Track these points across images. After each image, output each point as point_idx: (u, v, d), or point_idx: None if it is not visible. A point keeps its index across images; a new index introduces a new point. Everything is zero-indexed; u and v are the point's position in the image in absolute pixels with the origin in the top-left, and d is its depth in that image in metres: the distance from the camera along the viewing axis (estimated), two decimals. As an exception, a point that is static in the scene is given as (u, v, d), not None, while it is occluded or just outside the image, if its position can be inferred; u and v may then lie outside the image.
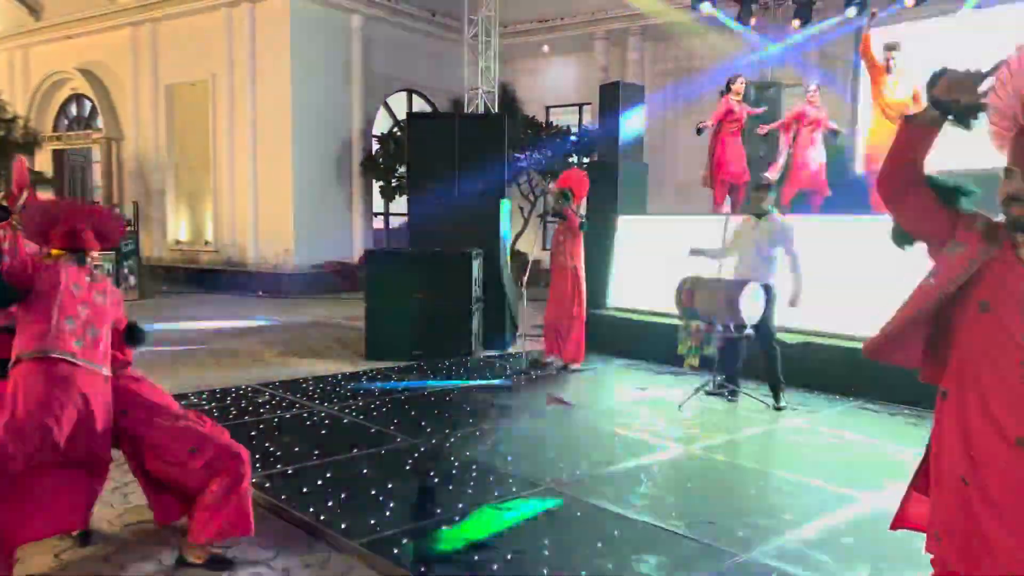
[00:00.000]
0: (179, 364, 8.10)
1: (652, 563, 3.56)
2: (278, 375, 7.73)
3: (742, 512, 4.23)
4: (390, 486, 4.49)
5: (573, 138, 16.22)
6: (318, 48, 15.87)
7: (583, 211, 8.30)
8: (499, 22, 15.00)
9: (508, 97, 16.64)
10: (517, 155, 14.79)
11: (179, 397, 6.08)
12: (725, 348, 6.84)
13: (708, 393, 6.85)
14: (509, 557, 3.58)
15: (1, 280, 3.33)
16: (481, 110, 14.42)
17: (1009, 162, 2.13)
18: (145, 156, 18.26)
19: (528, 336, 8.87)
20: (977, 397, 2.10)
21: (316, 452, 5.11)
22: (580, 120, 18.17)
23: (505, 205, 9.96)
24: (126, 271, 13.92)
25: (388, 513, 4.10)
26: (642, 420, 6.14)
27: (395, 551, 3.65)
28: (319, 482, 4.54)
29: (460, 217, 9.47)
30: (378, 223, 18.05)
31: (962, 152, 9.53)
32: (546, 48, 18.30)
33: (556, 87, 18.53)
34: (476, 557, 3.61)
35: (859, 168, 9.46)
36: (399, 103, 18.22)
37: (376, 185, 16.99)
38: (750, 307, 6.28)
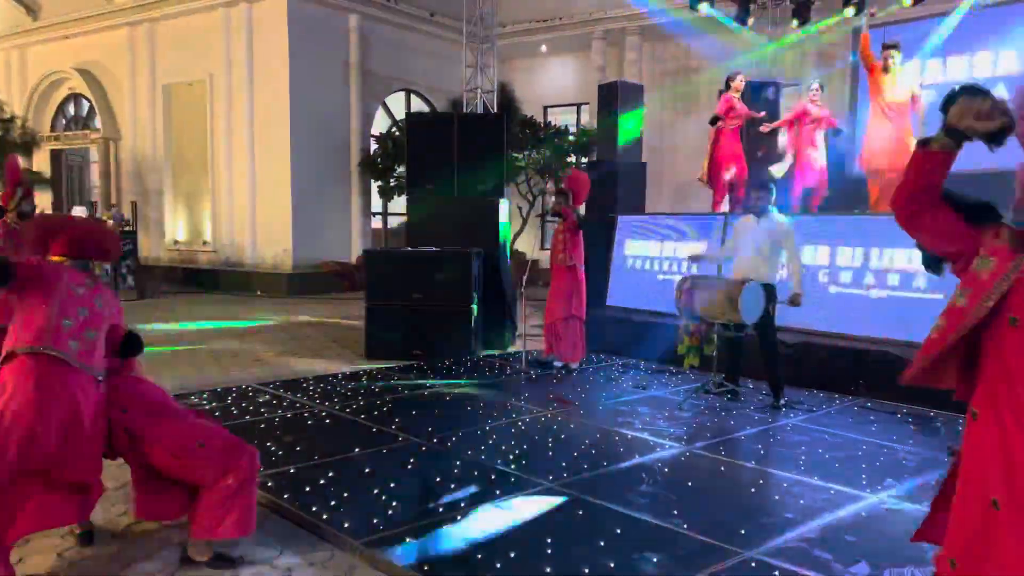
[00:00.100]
0: (179, 364, 8.09)
1: (654, 561, 3.57)
2: (278, 375, 7.73)
3: (743, 510, 4.24)
4: (392, 485, 4.50)
5: (571, 138, 16.23)
6: (316, 48, 15.85)
7: (581, 212, 8.31)
8: (497, 22, 15.01)
9: (506, 97, 16.64)
10: (515, 155, 14.80)
11: (180, 397, 6.09)
12: (725, 347, 6.87)
13: (708, 392, 6.87)
14: (512, 555, 3.59)
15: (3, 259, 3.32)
16: (480, 110, 14.42)
17: None
18: (143, 156, 18.24)
19: (528, 336, 8.87)
20: (1012, 415, 2.00)
21: (317, 451, 5.11)
22: (578, 120, 18.18)
23: (504, 205, 9.97)
24: (124, 271, 13.91)
25: (390, 512, 4.11)
26: (642, 419, 6.15)
27: (398, 550, 3.66)
28: (321, 481, 4.55)
29: (459, 217, 9.48)
30: (376, 223, 18.04)
31: (966, 153, 9.54)
32: (544, 48, 18.31)
33: (554, 87, 18.54)
34: (479, 556, 3.61)
35: (858, 168, 9.47)
36: (397, 103, 18.22)
37: (374, 185, 16.98)
38: (750, 306, 6.29)
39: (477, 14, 14.79)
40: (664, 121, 16.15)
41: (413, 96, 18.43)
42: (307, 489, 4.41)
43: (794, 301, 6.48)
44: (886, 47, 8.31)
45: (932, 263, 2.32)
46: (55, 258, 3.58)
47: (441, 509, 4.18)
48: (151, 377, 4.03)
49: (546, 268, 8.68)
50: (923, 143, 2.11)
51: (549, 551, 3.65)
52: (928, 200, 2.12)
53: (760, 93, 11.64)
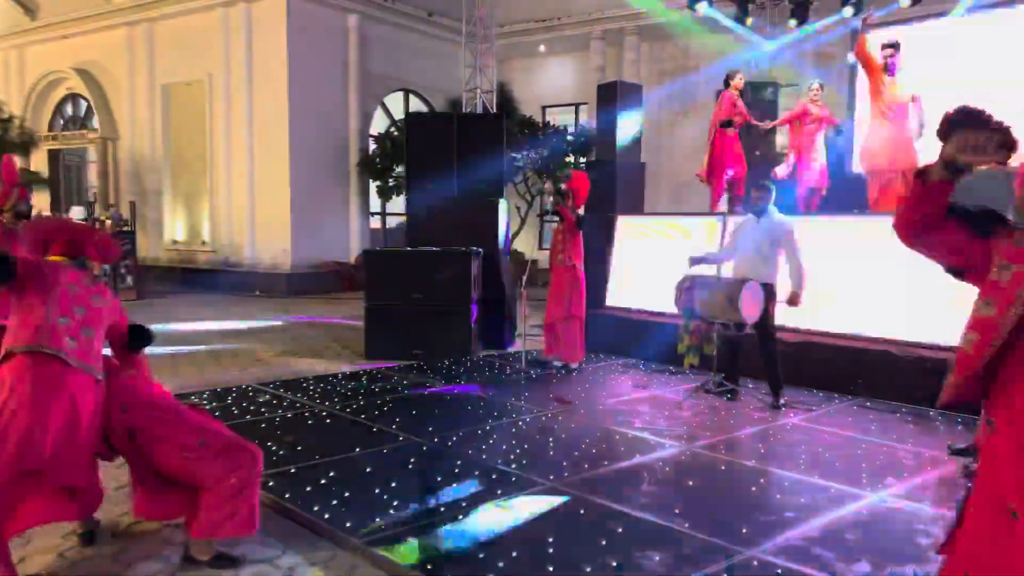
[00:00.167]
0: (179, 364, 8.09)
1: (656, 560, 3.58)
2: (278, 375, 7.73)
3: (744, 509, 4.25)
4: (393, 484, 4.51)
5: (570, 137, 16.25)
6: (315, 48, 15.85)
7: (580, 212, 8.30)
8: (496, 22, 15.02)
9: (505, 97, 16.66)
10: (514, 155, 14.80)
11: (180, 397, 6.05)
12: (724, 347, 6.88)
13: (708, 391, 6.88)
14: (514, 554, 3.60)
15: (3, 254, 3.32)
16: (479, 110, 14.43)
17: None
18: (141, 156, 18.23)
19: (527, 335, 8.88)
20: None
21: (318, 451, 5.11)
22: (576, 120, 18.20)
23: (503, 204, 9.97)
24: (123, 271, 13.89)
25: (392, 511, 4.12)
26: (642, 418, 6.16)
27: (400, 549, 3.67)
28: (322, 481, 4.55)
29: (459, 216, 9.49)
30: (375, 223, 18.04)
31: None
32: (543, 48, 18.32)
33: (553, 87, 18.55)
34: (481, 555, 3.62)
35: (857, 167, 9.49)
36: (396, 103, 18.23)
37: (373, 185, 16.98)
38: (750, 306, 6.30)
39: (476, 14, 14.78)
40: (662, 121, 16.16)
41: (411, 96, 18.44)
42: (308, 489, 4.42)
43: (792, 300, 6.49)
44: (886, 46, 8.32)
45: (952, 270, 2.30)
46: (53, 258, 3.58)
47: (443, 508, 4.18)
48: (156, 378, 4.04)
49: (545, 268, 8.68)
50: (921, 174, 2.08)
51: (551, 550, 3.66)
52: (932, 222, 2.09)
53: (758, 93, 11.67)
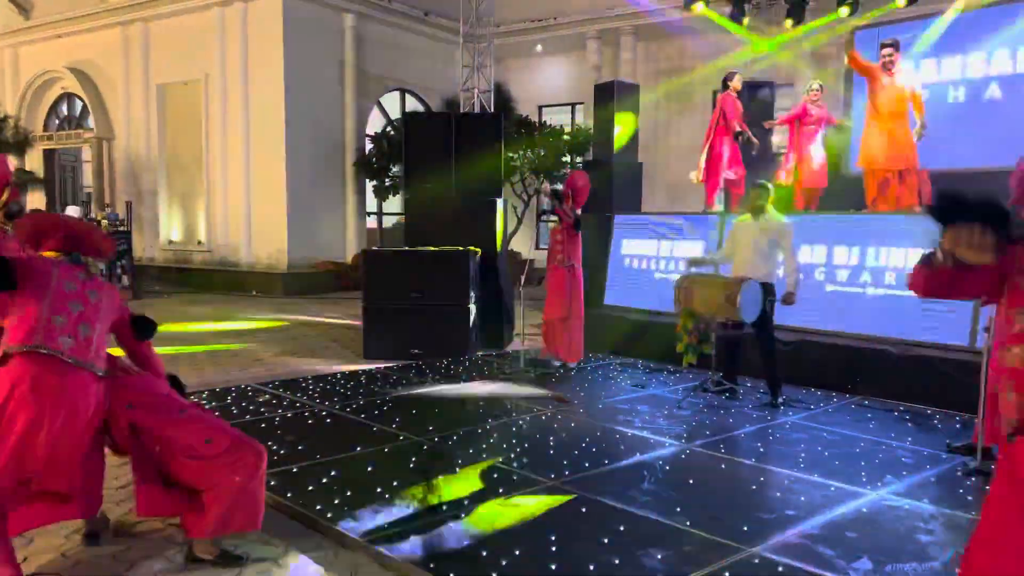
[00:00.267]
0: (177, 364, 8.04)
1: (658, 558, 3.59)
2: (277, 375, 7.74)
3: (744, 508, 4.27)
4: (395, 483, 4.51)
5: (566, 137, 16.26)
6: (311, 47, 15.84)
7: (578, 212, 8.32)
8: (492, 22, 15.03)
9: (501, 96, 16.67)
10: (510, 154, 14.81)
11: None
12: (723, 346, 6.90)
13: (707, 390, 6.90)
14: (517, 552, 3.61)
15: (2, 259, 3.29)
16: (476, 109, 14.43)
17: None
18: (137, 156, 18.19)
19: (526, 335, 8.89)
20: None
21: (319, 450, 5.12)
22: (572, 119, 18.22)
23: (501, 204, 9.98)
24: (119, 272, 13.87)
25: (394, 510, 4.13)
26: (642, 417, 6.17)
27: (403, 547, 3.67)
28: (324, 480, 4.56)
29: (457, 216, 9.50)
30: (371, 222, 18.03)
31: (962, 152, 9.62)
32: (539, 48, 18.33)
33: (549, 86, 18.56)
34: (484, 553, 3.63)
35: (856, 167, 9.52)
36: (392, 103, 18.23)
37: (369, 185, 16.98)
38: (748, 305, 6.32)
39: (474, 14, 14.79)
40: (659, 121, 16.19)
41: (408, 96, 18.44)
42: (310, 488, 4.42)
43: (787, 300, 6.51)
44: (885, 45, 8.34)
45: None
46: (47, 253, 3.54)
47: (445, 507, 4.19)
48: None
49: (542, 267, 8.68)
50: (926, 261, 2.12)
51: (553, 548, 3.67)
52: (945, 282, 2.15)
53: (755, 93, 11.69)
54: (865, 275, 7.42)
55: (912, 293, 2.31)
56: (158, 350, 4.01)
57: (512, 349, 9.24)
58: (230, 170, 16.39)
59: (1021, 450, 2.12)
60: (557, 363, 8.13)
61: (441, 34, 18.00)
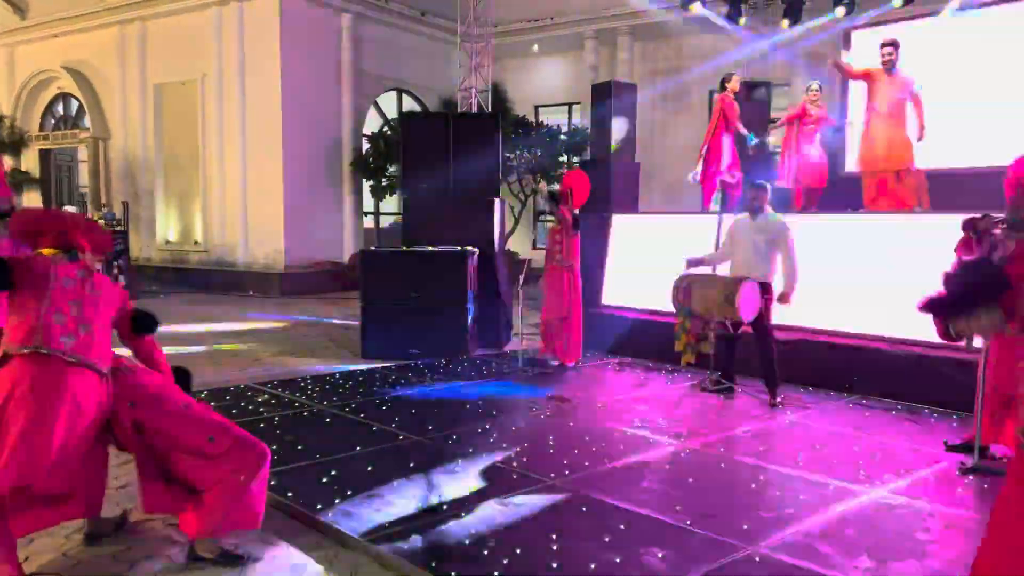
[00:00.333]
0: (175, 364, 8.07)
1: (660, 556, 3.60)
2: (275, 374, 7.73)
3: (744, 506, 4.28)
4: (395, 483, 4.52)
5: (563, 137, 16.27)
6: (308, 47, 15.82)
7: (576, 212, 8.33)
8: (490, 22, 15.03)
9: (498, 96, 16.66)
10: (507, 154, 14.82)
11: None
12: (721, 345, 6.92)
13: (705, 390, 6.92)
14: (518, 551, 3.61)
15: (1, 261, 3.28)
16: (474, 109, 14.43)
17: None
18: (133, 155, 18.15)
19: (524, 334, 8.91)
20: None
21: (319, 450, 5.12)
22: (569, 119, 18.23)
23: (499, 204, 9.99)
24: (115, 272, 13.83)
25: (395, 509, 4.13)
26: (640, 417, 6.18)
27: (404, 547, 3.68)
28: (324, 479, 4.56)
29: (454, 216, 9.50)
30: (368, 222, 18.02)
31: (960, 151, 9.64)
32: (536, 47, 18.33)
33: (546, 86, 18.55)
34: (485, 552, 3.63)
35: (852, 167, 9.55)
36: (389, 102, 18.21)
37: (367, 184, 16.97)
38: (747, 304, 6.34)
39: (471, 14, 14.79)
40: (655, 120, 16.20)
41: (404, 95, 18.43)
42: (311, 487, 4.42)
43: (783, 298, 6.53)
44: (885, 44, 8.36)
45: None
46: (44, 251, 3.53)
47: (445, 507, 4.19)
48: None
49: (539, 267, 8.69)
50: (944, 333, 2.18)
51: (555, 547, 3.67)
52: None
53: (751, 93, 11.72)
54: (863, 274, 7.43)
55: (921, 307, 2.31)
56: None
57: (510, 349, 9.25)
58: (227, 170, 16.36)
59: None
60: (555, 363, 8.14)
61: (438, 34, 17.99)
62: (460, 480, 4.61)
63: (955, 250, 5.52)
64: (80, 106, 19.20)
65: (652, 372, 7.97)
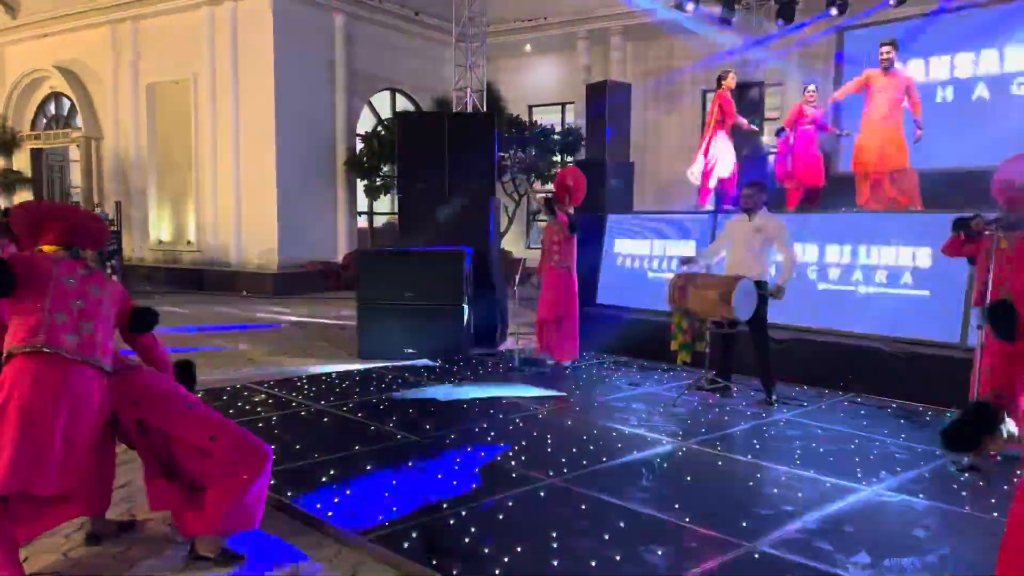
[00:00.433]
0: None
1: (659, 553, 3.62)
2: (271, 374, 7.72)
3: (742, 504, 4.30)
4: (394, 482, 4.53)
5: (556, 136, 16.29)
6: (301, 47, 15.80)
7: (571, 211, 8.33)
8: (484, 21, 15.04)
9: (491, 96, 16.68)
10: (501, 154, 14.83)
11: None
12: (717, 344, 6.94)
13: (701, 388, 6.94)
14: (519, 549, 3.63)
15: (2, 263, 3.27)
16: (469, 109, 14.44)
17: None
18: (126, 155, 18.09)
19: (520, 334, 8.92)
20: None
21: (317, 449, 5.12)
22: (563, 119, 18.25)
23: (494, 203, 9.99)
24: (109, 271, 13.78)
25: (395, 508, 4.13)
26: (637, 416, 6.20)
27: (404, 545, 3.68)
28: (323, 479, 4.56)
29: (450, 215, 9.50)
30: (362, 222, 18.01)
31: (949, 152, 9.69)
32: (529, 47, 18.35)
33: (539, 86, 18.58)
34: (486, 550, 3.64)
35: (847, 166, 9.60)
36: (382, 102, 18.21)
37: (360, 184, 16.96)
38: (742, 303, 6.36)
39: (466, 14, 14.79)
40: (648, 120, 16.24)
41: (398, 95, 18.42)
42: (310, 487, 4.43)
43: (776, 293, 6.55)
44: (884, 44, 8.39)
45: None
46: (46, 248, 3.53)
47: (445, 505, 4.20)
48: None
49: (533, 266, 8.70)
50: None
51: (555, 545, 3.68)
52: None
53: (744, 93, 11.77)
54: (857, 274, 7.48)
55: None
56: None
57: (506, 348, 9.26)
58: (220, 170, 16.33)
59: None
60: (551, 362, 8.15)
61: (431, 34, 17.99)
62: (459, 479, 4.62)
63: (942, 250, 5.56)
64: (72, 105, 19.13)
65: (648, 371, 8.00)
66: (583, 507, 4.21)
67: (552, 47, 18.20)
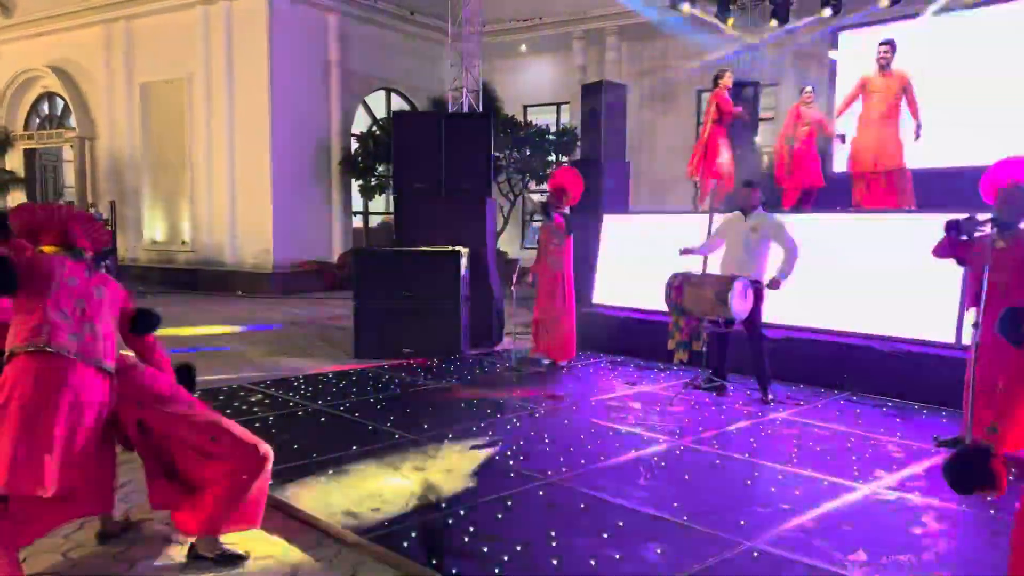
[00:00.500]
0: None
1: (658, 552, 3.63)
2: (268, 375, 7.71)
3: (740, 502, 4.32)
4: (393, 482, 4.54)
5: (551, 136, 16.31)
6: (296, 46, 15.79)
7: (566, 211, 8.35)
8: (480, 21, 15.04)
9: (487, 96, 16.69)
10: (496, 154, 14.84)
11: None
12: (713, 343, 6.96)
13: (697, 387, 6.96)
14: (518, 548, 3.64)
15: (4, 261, 3.27)
16: (465, 108, 14.44)
17: None
18: (120, 155, 18.05)
19: (516, 334, 8.93)
20: None
21: (315, 449, 5.12)
22: (558, 119, 18.28)
23: (490, 203, 10.00)
24: (103, 271, 13.73)
25: (393, 508, 4.14)
26: (634, 415, 6.22)
27: (404, 545, 3.69)
28: (322, 479, 4.57)
29: (446, 215, 9.51)
30: (357, 222, 18.00)
31: (941, 152, 9.72)
32: (524, 47, 18.37)
33: (534, 86, 18.60)
34: (485, 549, 3.65)
35: (842, 166, 9.64)
36: (377, 102, 18.20)
37: (355, 184, 16.95)
38: (738, 303, 6.38)
39: (461, 13, 14.80)
40: (643, 120, 16.27)
41: (393, 95, 18.41)
42: (309, 487, 4.43)
43: (772, 284, 6.56)
44: (882, 44, 8.42)
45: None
46: (47, 248, 3.52)
47: (444, 504, 4.21)
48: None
49: (528, 266, 8.71)
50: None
51: (554, 544, 3.70)
52: None
53: (739, 92, 11.79)
54: (852, 273, 7.50)
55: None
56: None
57: (503, 348, 9.27)
58: (215, 169, 16.30)
59: None
60: (546, 361, 8.17)
61: (426, 33, 17.99)
62: (457, 478, 4.63)
63: (932, 252, 5.57)
64: (65, 105, 19.08)
65: (644, 370, 8.01)
66: (582, 506, 4.22)
67: (547, 47, 18.22)
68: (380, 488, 4.43)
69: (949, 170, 8.95)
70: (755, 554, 3.63)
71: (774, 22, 12.52)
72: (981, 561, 3.66)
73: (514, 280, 8.43)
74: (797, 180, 9.67)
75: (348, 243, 17.03)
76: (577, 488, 4.47)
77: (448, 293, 8.72)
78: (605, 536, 3.80)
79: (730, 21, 12.74)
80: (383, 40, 17.53)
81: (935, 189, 8.44)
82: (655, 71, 16.56)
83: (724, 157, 9.82)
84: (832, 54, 11.26)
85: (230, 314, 12.45)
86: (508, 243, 17.43)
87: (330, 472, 4.69)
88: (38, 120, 20.25)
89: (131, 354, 3.78)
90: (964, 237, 5.26)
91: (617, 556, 3.59)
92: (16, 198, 19.39)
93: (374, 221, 18.58)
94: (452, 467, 4.83)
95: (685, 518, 4.04)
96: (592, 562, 3.52)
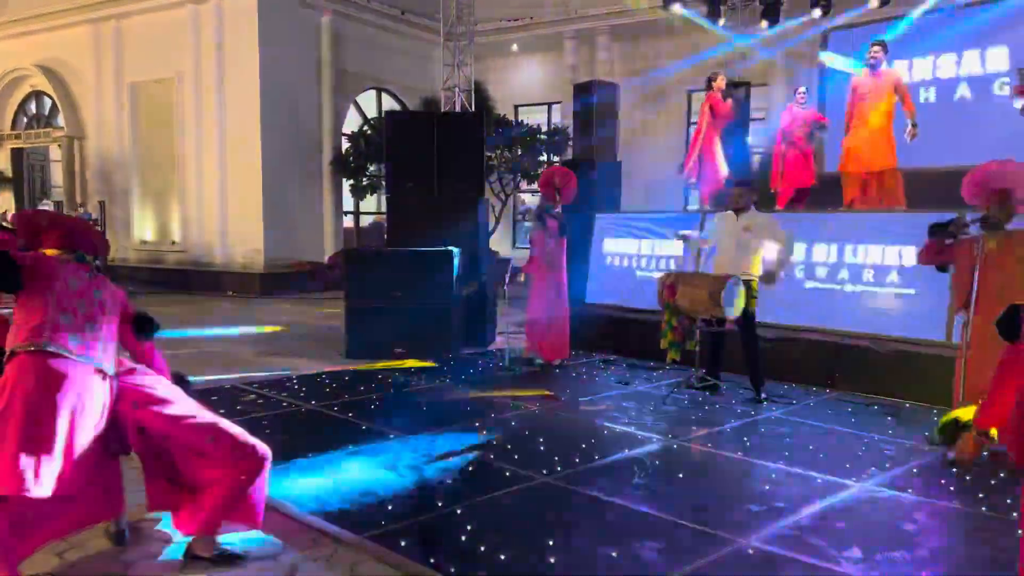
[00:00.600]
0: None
1: (655, 549, 3.65)
2: (261, 375, 7.70)
3: (734, 501, 4.34)
4: (389, 481, 4.54)
5: (543, 136, 16.32)
6: (287, 45, 15.75)
7: (558, 211, 8.36)
8: (472, 20, 15.06)
9: (478, 96, 16.70)
10: (488, 153, 14.85)
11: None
12: (706, 342, 6.99)
13: (691, 387, 6.99)
14: (515, 547, 3.65)
15: (5, 255, 3.27)
16: (457, 108, 14.45)
17: None
18: (109, 155, 17.96)
19: (509, 333, 8.94)
20: None
21: (311, 449, 5.12)
22: (549, 119, 18.30)
23: (483, 203, 10.01)
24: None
25: (390, 507, 4.15)
26: (628, 414, 6.24)
27: (401, 544, 3.69)
28: (319, 478, 4.57)
29: (439, 215, 9.51)
30: (348, 222, 17.98)
31: (933, 152, 9.79)
32: (515, 47, 18.38)
33: (525, 86, 18.62)
34: (482, 548, 3.66)
35: (834, 167, 9.69)
36: (368, 101, 18.18)
37: (346, 184, 16.92)
38: (732, 302, 6.41)
39: (453, 13, 14.80)
40: (634, 120, 16.30)
41: (384, 95, 18.40)
42: (306, 486, 4.43)
43: (768, 279, 6.59)
44: (875, 44, 8.46)
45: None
46: (48, 252, 3.52)
47: (440, 504, 4.22)
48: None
49: (521, 266, 8.73)
50: None
51: (551, 542, 3.71)
52: None
53: (730, 93, 11.84)
54: (844, 272, 7.56)
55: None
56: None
57: (495, 347, 9.28)
58: (205, 169, 16.24)
59: None
60: (540, 361, 8.18)
61: (418, 33, 17.98)
62: (453, 478, 4.64)
63: (918, 258, 5.61)
64: (53, 104, 18.98)
65: (638, 369, 8.04)
66: (577, 505, 4.24)
67: (539, 47, 18.25)
68: (376, 488, 4.43)
69: (939, 170, 9.02)
70: (750, 551, 3.65)
71: (764, 23, 12.59)
72: (973, 557, 3.70)
73: (507, 280, 8.44)
74: (789, 182, 9.73)
75: (339, 243, 17.01)
76: (571, 487, 4.49)
77: (441, 293, 8.72)
78: (601, 535, 3.81)
79: (721, 22, 12.80)
80: (375, 39, 17.51)
81: (925, 189, 8.50)
82: (646, 71, 16.60)
83: (718, 159, 9.86)
84: (822, 55, 11.32)
85: (221, 314, 12.41)
86: (499, 243, 17.43)
87: (327, 472, 4.69)
88: (26, 119, 20.13)
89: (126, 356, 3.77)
90: (949, 241, 5.29)
91: (614, 554, 3.60)
92: (4, 198, 19.29)
93: (365, 221, 18.56)
94: (447, 466, 4.84)
95: (680, 516, 4.06)
96: (588, 560, 3.53)
